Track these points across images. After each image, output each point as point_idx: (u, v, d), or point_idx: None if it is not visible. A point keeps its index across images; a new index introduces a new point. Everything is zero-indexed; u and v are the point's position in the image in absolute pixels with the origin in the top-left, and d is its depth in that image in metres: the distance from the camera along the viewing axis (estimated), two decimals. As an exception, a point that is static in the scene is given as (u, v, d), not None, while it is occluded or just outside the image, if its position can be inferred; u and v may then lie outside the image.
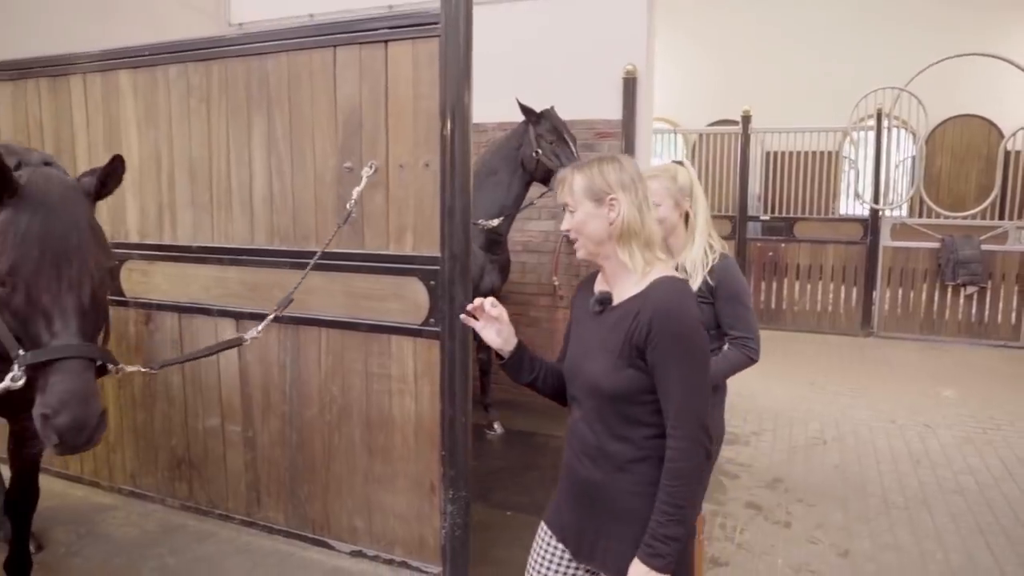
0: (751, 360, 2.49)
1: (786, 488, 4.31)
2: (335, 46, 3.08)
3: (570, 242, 1.82)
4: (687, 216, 2.50)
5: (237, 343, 2.44)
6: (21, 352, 1.81)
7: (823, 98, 9.81)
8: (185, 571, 3.31)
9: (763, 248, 8.83)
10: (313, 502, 3.45)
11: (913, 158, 8.89)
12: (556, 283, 5.65)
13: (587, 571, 1.85)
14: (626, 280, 1.74)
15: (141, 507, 3.94)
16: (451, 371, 2.96)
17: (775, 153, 9.28)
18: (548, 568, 1.88)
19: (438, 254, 2.93)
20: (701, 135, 9.86)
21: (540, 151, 4.48)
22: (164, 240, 3.67)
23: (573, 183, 1.74)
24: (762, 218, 9.03)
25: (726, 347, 2.50)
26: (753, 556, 3.51)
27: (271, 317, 2.50)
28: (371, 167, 2.99)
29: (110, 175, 2.08)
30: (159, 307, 3.72)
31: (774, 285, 8.82)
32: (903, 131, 8.87)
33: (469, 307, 1.84)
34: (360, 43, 3.03)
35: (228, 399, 3.61)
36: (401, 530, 3.24)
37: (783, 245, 8.75)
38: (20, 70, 4.01)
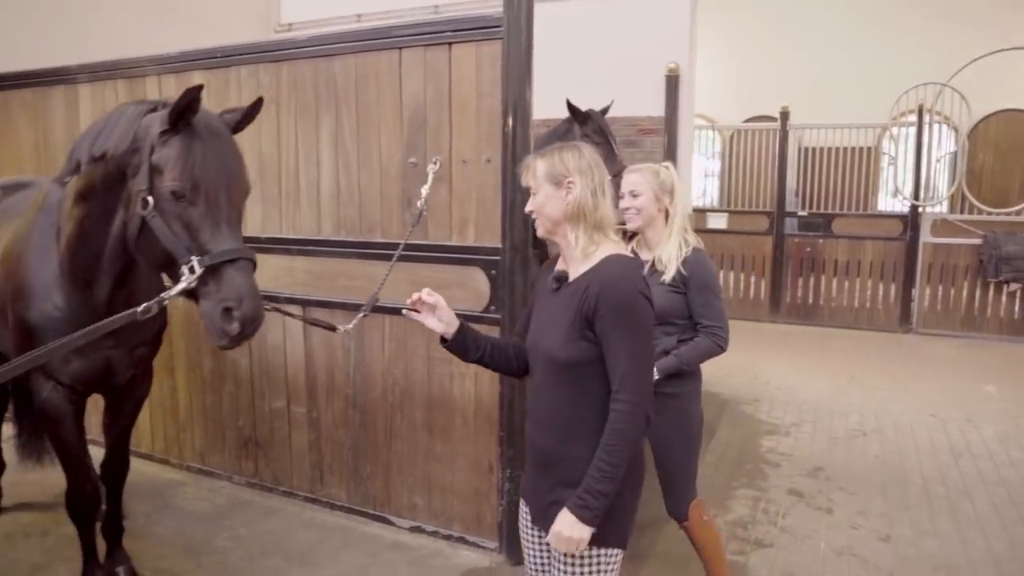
0: (720, 348, 2.66)
1: (827, 476, 4.41)
2: (401, 48, 3.26)
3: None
4: (668, 213, 2.68)
5: (331, 328, 2.64)
6: (194, 258, 2.03)
7: (859, 94, 9.81)
8: (256, 542, 3.53)
9: (800, 244, 8.86)
10: (375, 480, 3.65)
11: (954, 153, 8.84)
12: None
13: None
14: (573, 256, 1.89)
15: (209, 483, 4.18)
16: (510, 356, 3.13)
17: (811, 149, 9.30)
18: (524, 536, 2.03)
19: (499, 245, 3.11)
20: (736, 131, 9.91)
21: None
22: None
23: (536, 168, 1.90)
24: (800, 214, 9.05)
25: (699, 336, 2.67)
26: (796, 539, 3.63)
27: (362, 315, 2.66)
28: (435, 162, 3.16)
29: (250, 114, 2.35)
30: (229, 295, 3.94)
31: (811, 281, 8.85)
32: (944, 127, 8.81)
33: (409, 302, 2.02)
34: (425, 45, 3.20)
35: (294, 381, 3.82)
36: (459, 507, 3.42)
37: (821, 241, 8.77)
38: (98, 72, 4.26)
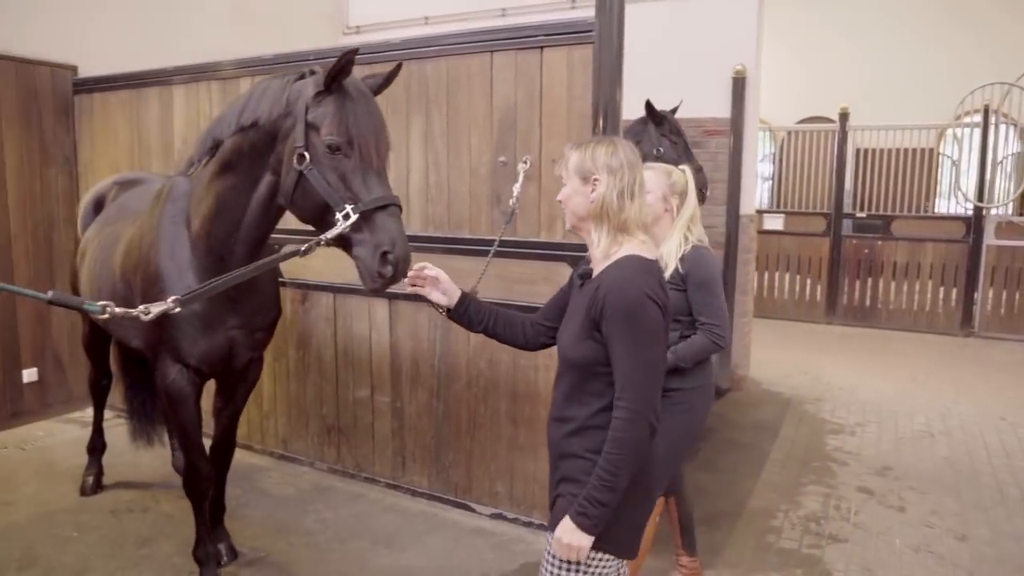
0: (717, 346, 2.67)
1: (896, 476, 4.43)
2: (492, 51, 3.39)
3: None
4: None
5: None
6: (348, 205, 2.21)
7: (917, 94, 9.73)
8: (343, 525, 3.68)
9: (858, 245, 8.80)
10: (457, 468, 3.78)
11: (1018, 154, 8.69)
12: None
13: None
14: (595, 256, 1.85)
15: (292, 469, 4.36)
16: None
17: (866, 150, 9.23)
18: None
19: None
20: (790, 132, 9.88)
21: (662, 149, 4.69)
22: (322, 227, 4.05)
23: (569, 160, 1.87)
24: (858, 215, 8.98)
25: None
26: (870, 536, 3.67)
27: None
28: (526, 161, 3.28)
29: (389, 79, 2.53)
30: (315, 287, 4.11)
31: (868, 283, 8.78)
32: (1010, 127, 8.66)
33: (409, 277, 2.13)
34: (517, 49, 3.32)
35: (378, 372, 3.97)
36: (541, 495, 3.52)
37: (879, 243, 8.70)
38: (192, 74, 4.48)
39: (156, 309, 2.07)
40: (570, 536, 1.72)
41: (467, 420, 3.70)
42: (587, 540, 1.72)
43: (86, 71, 5.14)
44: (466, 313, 2.17)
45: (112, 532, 3.57)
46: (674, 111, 4.89)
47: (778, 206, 9.62)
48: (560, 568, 1.80)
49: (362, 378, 4.05)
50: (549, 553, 1.83)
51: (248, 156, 2.52)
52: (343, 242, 2.27)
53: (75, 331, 5.29)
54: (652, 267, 1.81)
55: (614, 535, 1.78)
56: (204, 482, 2.94)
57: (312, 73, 2.41)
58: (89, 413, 5.25)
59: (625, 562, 1.89)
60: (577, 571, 1.79)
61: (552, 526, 1.83)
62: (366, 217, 2.21)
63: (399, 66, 2.55)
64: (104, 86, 4.98)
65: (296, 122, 2.33)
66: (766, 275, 9.15)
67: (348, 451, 4.18)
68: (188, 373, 2.76)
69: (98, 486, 4.00)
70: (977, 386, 6.36)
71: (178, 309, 2.14)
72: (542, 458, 3.49)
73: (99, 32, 5.21)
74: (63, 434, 4.94)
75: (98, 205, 3.62)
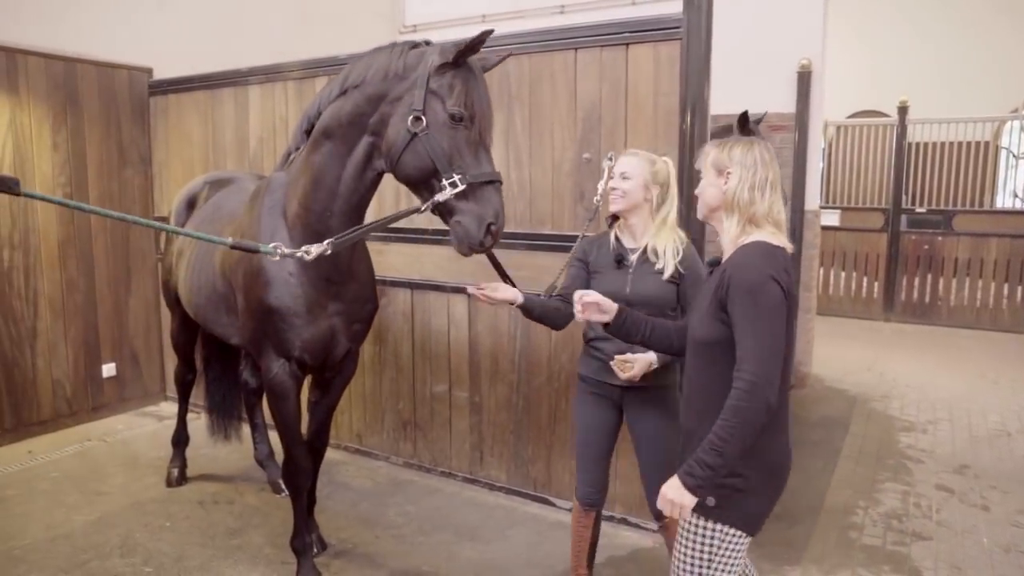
0: None
1: (975, 474, 4.36)
2: (576, 49, 3.41)
3: None
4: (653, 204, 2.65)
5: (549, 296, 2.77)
6: (456, 175, 2.32)
7: (972, 88, 9.51)
8: (425, 518, 3.74)
9: (917, 241, 8.65)
10: (536, 462, 3.81)
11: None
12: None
13: None
14: (725, 243, 1.97)
15: (367, 463, 4.44)
16: (682, 344, 3.25)
17: (921, 144, 9.05)
18: None
19: (674, 237, 3.21)
20: (841, 127, 9.73)
21: None
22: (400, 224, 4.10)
23: (708, 155, 2.01)
24: (918, 211, 8.81)
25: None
26: (955, 534, 3.62)
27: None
28: (611, 158, 3.28)
29: (496, 63, 2.66)
30: (392, 283, 4.17)
31: (928, 279, 8.62)
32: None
33: (577, 312, 2.26)
34: (601, 46, 3.34)
35: (457, 367, 4.02)
36: (622, 489, 3.55)
37: (940, 238, 8.53)
38: (268, 74, 4.57)
39: (316, 250, 2.40)
40: (674, 493, 1.80)
41: (547, 415, 3.73)
42: (689, 499, 1.79)
43: (160, 74, 5.27)
44: (623, 326, 2.28)
45: (202, 523, 3.66)
46: (759, 121, 4.84)
47: (831, 202, 9.49)
48: (695, 543, 1.92)
49: (440, 373, 4.10)
50: (682, 528, 1.95)
51: (347, 120, 2.57)
52: (445, 207, 2.36)
53: (150, 328, 5.46)
54: (777, 252, 1.88)
55: (744, 509, 1.88)
56: (303, 474, 3.01)
57: (428, 44, 2.49)
58: (164, 407, 5.44)
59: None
60: (711, 545, 1.90)
61: None
62: (474, 188, 2.32)
63: (508, 55, 2.68)
64: (179, 87, 5.11)
65: (414, 87, 2.40)
66: (821, 271, 9.02)
67: (424, 446, 4.23)
68: (290, 367, 2.82)
69: (183, 478, 4.12)
70: (1051, 384, 6.22)
71: (329, 251, 2.43)
72: (622, 453, 3.51)
73: (171, 35, 5.34)
74: (141, 427, 5.08)
75: (191, 204, 3.72)
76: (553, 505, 3.76)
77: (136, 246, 5.30)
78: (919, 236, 8.65)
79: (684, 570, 1.94)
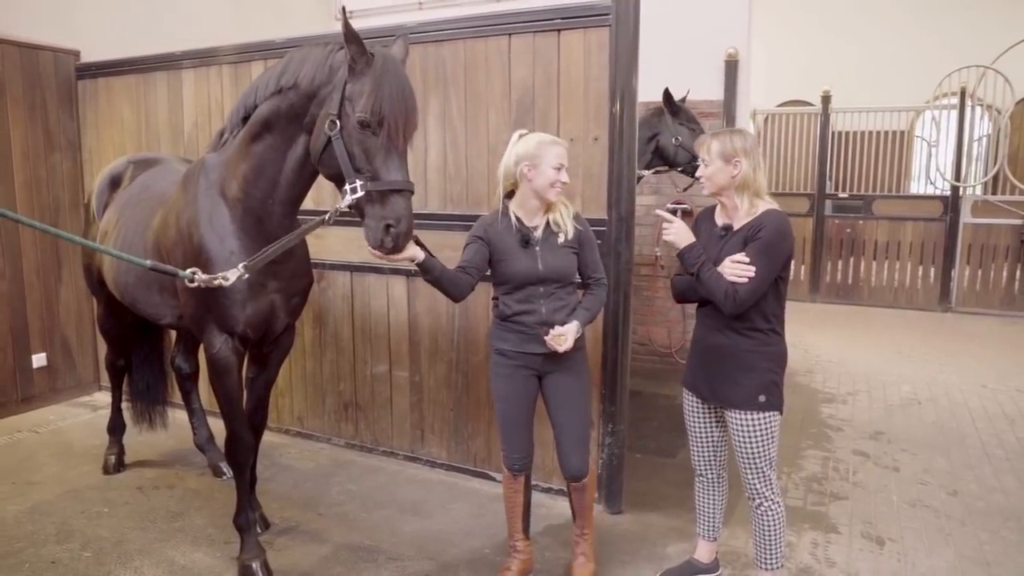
0: (604, 297, 2.90)
1: (889, 440, 4.65)
2: (510, 34, 3.50)
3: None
4: None
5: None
6: (359, 181, 2.36)
7: (893, 79, 9.98)
8: (367, 496, 3.81)
9: (840, 225, 9.06)
10: (476, 438, 3.92)
11: (994, 135, 8.99)
12: (658, 253, 6.04)
13: (715, 408, 2.75)
14: (738, 214, 2.54)
15: (309, 445, 4.47)
16: (614, 318, 3.40)
17: (842, 133, 9.50)
18: (692, 413, 2.82)
19: (605, 216, 3.35)
20: (770, 115, 10.09)
21: (680, 138, 4.82)
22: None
23: (711, 146, 2.54)
24: (841, 196, 9.22)
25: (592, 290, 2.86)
26: (869, 493, 3.88)
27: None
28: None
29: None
30: (332, 266, 4.20)
31: (851, 261, 9.05)
32: (981, 108, 8.96)
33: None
34: (534, 32, 3.44)
35: (397, 348, 4.08)
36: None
37: (861, 222, 8.96)
38: (203, 58, 4.53)
39: (232, 276, 2.31)
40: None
41: (486, 392, 3.82)
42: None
43: (88, 56, 5.15)
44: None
45: (142, 507, 3.65)
46: (683, 100, 5.03)
47: (761, 188, 9.81)
48: (762, 432, 2.56)
49: (380, 354, 4.16)
50: (739, 423, 2.58)
51: (285, 117, 2.62)
52: (358, 209, 2.42)
53: (83, 318, 5.35)
54: (788, 219, 2.55)
55: (779, 398, 2.59)
56: (246, 450, 3.03)
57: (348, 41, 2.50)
58: (98, 397, 5.35)
59: None
60: (771, 428, 2.57)
61: (737, 403, 2.58)
62: (381, 194, 2.36)
63: (404, 35, 2.72)
64: (109, 71, 5.01)
65: (334, 90, 2.44)
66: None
67: (366, 426, 4.29)
68: (233, 342, 2.85)
69: (120, 465, 4.08)
70: (958, 357, 6.64)
71: (247, 276, 2.34)
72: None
73: (97, 17, 5.22)
74: (75, 417, 4.99)
75: (114, 183, 3.67)
76: (493, 480, 3.87)
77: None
78: (842, 220, 9.07)
79: (759, 455, 2.57)
